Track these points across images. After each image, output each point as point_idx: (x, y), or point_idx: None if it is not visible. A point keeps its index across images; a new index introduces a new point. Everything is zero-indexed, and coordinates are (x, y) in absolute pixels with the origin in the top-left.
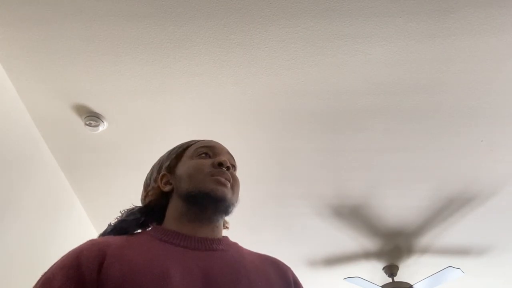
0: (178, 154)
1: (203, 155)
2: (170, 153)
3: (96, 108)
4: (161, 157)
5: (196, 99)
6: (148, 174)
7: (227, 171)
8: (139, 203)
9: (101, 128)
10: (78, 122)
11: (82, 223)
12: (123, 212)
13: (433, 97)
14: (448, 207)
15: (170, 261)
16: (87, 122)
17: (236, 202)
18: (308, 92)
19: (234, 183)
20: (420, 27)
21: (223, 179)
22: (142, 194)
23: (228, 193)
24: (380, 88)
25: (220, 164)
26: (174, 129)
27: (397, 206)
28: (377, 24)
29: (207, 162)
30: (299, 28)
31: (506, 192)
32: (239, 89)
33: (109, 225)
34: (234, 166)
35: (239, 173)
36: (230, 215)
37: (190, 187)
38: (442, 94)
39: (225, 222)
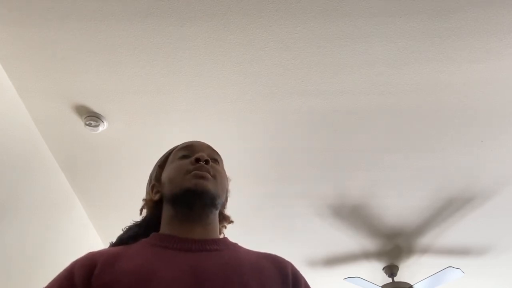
0: (162, 162)
1: (182, 156)
2: (156, 163)
3: (96, 108)
4: (152, 170)
5: (196, 99)
6: (146, 188)
7: (205, 165)
8: (138, 202)
9: (101, 128)
10: (78, 122)
11: (82, 223)
12: (123, 229)
13: (433, 97)
14: (448, 207)
15: (160, 264)
16: (87, 122)
17: (223, 193)
18: (308, 92)
19: (217, 174)
20: (420, 27)
21: (200, 173)
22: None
23: (208, 184)
24: (380, 88)
25: (197, 160)
26: (174, 129)
27: (397, 206)
28: (377, 24)
29: (186, 161)
30: (299, 28)
31: (506, 192)
32: (239, 89)
33: (110, 244)
34: (216, 160)
35: (239, 173)
36: (221, 208)
37: (173, 189)
38: (442, 94)
39: (223, 220)
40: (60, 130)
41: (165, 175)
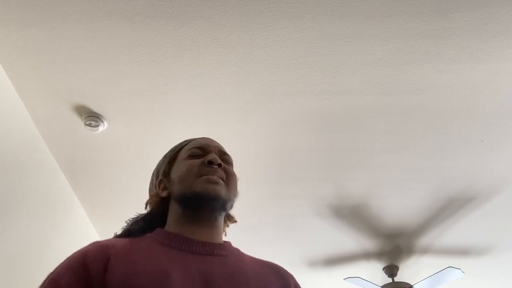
0: (172, 157)
1: (194, 156)
2: (165, 157)
3: (96, 108)
4: (159, 162)
5: (196, 99)
6: (150, 179)
7: (218, 168)
8: (138, 202)
9: (101, 128)
10: (78, 122)
11: (82, 223)
12: (128, 221)
13: (433, 97)
14: (448, 207)
15: (171, 265)
16: (87, 122)
17: (234, 196)
18: (308, 92)
19: (229, 178)
20: (420, 27)
21: (214, 177)
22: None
23: (221, 190)
24: (380, 88)
25: (210, 163)
26: (174, 129)
27: (397, 206)
28: (377, 24)
29: (198, 162)
30: (299, 28)
31: (506, 192)
32: (239, 89)
33: (115, 235)
34: (227, 162)
35: (239, 174)
36: (229, 210)
37: (183, 190)
38: (442, 94)
39: (227, 220)
40: (60, 130)
41: (175, 173)
